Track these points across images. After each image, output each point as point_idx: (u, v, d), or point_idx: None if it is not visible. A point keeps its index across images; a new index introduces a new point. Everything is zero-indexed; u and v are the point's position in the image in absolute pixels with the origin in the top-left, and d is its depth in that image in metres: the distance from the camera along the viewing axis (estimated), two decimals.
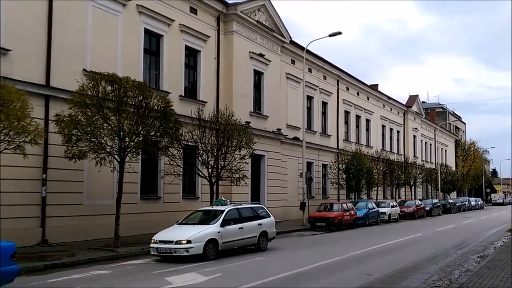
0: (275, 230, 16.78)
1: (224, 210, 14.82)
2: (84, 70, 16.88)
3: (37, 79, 15.50)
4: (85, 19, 17.26)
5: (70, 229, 16.22)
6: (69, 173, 15.98)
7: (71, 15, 16.70)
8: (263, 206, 17.29)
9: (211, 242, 13.69)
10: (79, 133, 14.39)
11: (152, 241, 13.72)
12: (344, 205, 26.38)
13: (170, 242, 13.33)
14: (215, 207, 15.48)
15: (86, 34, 17.27)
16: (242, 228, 14.98)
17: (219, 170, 19.24)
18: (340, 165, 34.20)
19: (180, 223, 14.87)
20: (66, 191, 16.14)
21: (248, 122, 23.99)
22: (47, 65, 15.84)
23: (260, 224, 15.86)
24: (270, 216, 16.64)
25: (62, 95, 15.71)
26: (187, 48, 22.39)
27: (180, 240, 13.23)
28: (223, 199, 16.15)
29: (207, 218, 14.89)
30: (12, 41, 14.76)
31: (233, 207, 15.28)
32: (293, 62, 31.74)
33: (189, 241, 13.20)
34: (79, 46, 16.99)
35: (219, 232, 14.04)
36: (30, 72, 15.27)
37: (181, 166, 19.33)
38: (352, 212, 26.52)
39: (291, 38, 29.81)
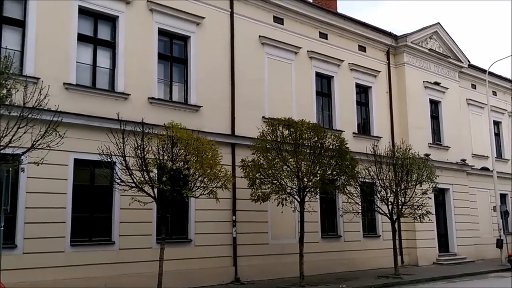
0: None
1: None
2: (263, 117, 18.20)
3: (224, 130, 17.18)
4: (262, 71, 18.74)
5: (258, 268, 17.16)
6: (255, 214, 17.10)
7: (250, 69, 18.32)
8: None
9: None
10: (262, 176, 15.40)
11: None
12: None
13: None
14: None
15: (264, 84, 18.69)
16: None
17: (400, 207, 18.54)
18: None
19: None
20: (253, 231, 17.19)
21: (427, 155, 22.80)
22: (232, 116, 17.49)
23: None
24: None
25: (245, 142, 17.09)
26: (357, 85, 22.54)
27: None
28: None
29: None
30: (202, 98, 16.75)
31: None
32: (473, 86, 29.40)
33: None
34: (258, 96, 18.45)
35: None
36: (218, 124, 17.02)
37: (359, 203, 19.16)
38: None
39: (469, 61, 27.79)
